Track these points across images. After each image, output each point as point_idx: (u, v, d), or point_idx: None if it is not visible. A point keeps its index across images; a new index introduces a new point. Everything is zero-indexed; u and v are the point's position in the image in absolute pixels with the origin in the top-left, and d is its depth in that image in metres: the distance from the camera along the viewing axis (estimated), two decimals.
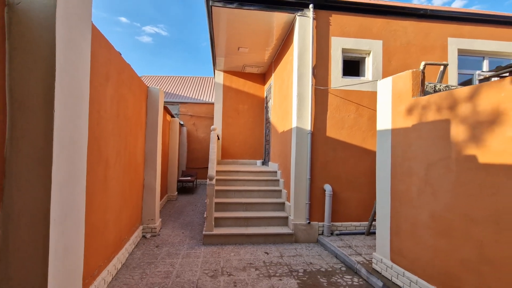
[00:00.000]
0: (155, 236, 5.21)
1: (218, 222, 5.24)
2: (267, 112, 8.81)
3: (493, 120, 2.24)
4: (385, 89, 3.57)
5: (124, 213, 4.05)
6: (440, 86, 3.69)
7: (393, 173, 3.36)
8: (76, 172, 1.93)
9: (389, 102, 3.46)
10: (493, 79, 2.98)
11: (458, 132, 2.55)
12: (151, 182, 5.27)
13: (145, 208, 5.20)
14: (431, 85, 3.66)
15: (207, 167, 13.06)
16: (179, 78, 17.24)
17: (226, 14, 5.34)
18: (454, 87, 3.69)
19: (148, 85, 5.35)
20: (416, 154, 3.02)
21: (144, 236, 5.12)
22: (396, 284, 3.22)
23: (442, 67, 3.87)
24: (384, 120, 3.55)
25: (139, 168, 4.85)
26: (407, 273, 3.08)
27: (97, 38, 2.88)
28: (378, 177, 3.64)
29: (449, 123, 2.63)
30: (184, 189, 11.00)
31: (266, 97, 8.97)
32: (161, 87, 15.01)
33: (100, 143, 3.02)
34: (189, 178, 10.55)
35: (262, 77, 9.37)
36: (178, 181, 10.13)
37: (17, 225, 1.56)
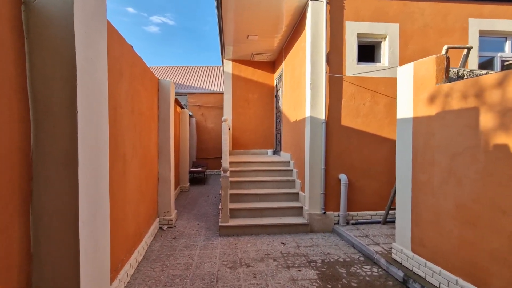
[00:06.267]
0: (171, 227, 5.29)
1: (233, 213, 5.28)
2: (277, 101, 8.69)
3: None
4: (405, 76, 3.43)
5: (141, 206, 4.10)
6: (464, 71, 3.52)
7: (414, 162, 3.28)
8: (100, 170, 1.93)
9: (411, 89, 3.34)
10: None
11: (486, 120, 2.44)
12: (165, 174, 5.31)
13: (160, 200, 5.27)
14: (453, 70, 3.50)
15: (217, 157, 13.17)
16: (187, 68, 17.10)
17: (234, 2, 5.19)
18: (478, 72, 3.53)
19: (158, 77, 5.30)
20: (439, 143, 2.92)
21: (161, 228, 5.21)
22: (417, 275, 3.19)
23: (465, 50, 3.69)
24: (405, 108, 3.43)
25: (153, 161, 4.87)
26: (429, 264, 3.05)
27: (110, 31, 2.82)
28: (398, 166, 3.56)
29: (477, 111, 2.52)
30: (195, 179, 11.10)
31: (276, 85, 8.83)
32: (169, 77, 14.93)
33: (118, 139, 3.02)
34: (200, 169, 10.62)
35: (272, 65, 9.19)
36: (189, 172, 10.21)
37: (48, 227, 1.57)
